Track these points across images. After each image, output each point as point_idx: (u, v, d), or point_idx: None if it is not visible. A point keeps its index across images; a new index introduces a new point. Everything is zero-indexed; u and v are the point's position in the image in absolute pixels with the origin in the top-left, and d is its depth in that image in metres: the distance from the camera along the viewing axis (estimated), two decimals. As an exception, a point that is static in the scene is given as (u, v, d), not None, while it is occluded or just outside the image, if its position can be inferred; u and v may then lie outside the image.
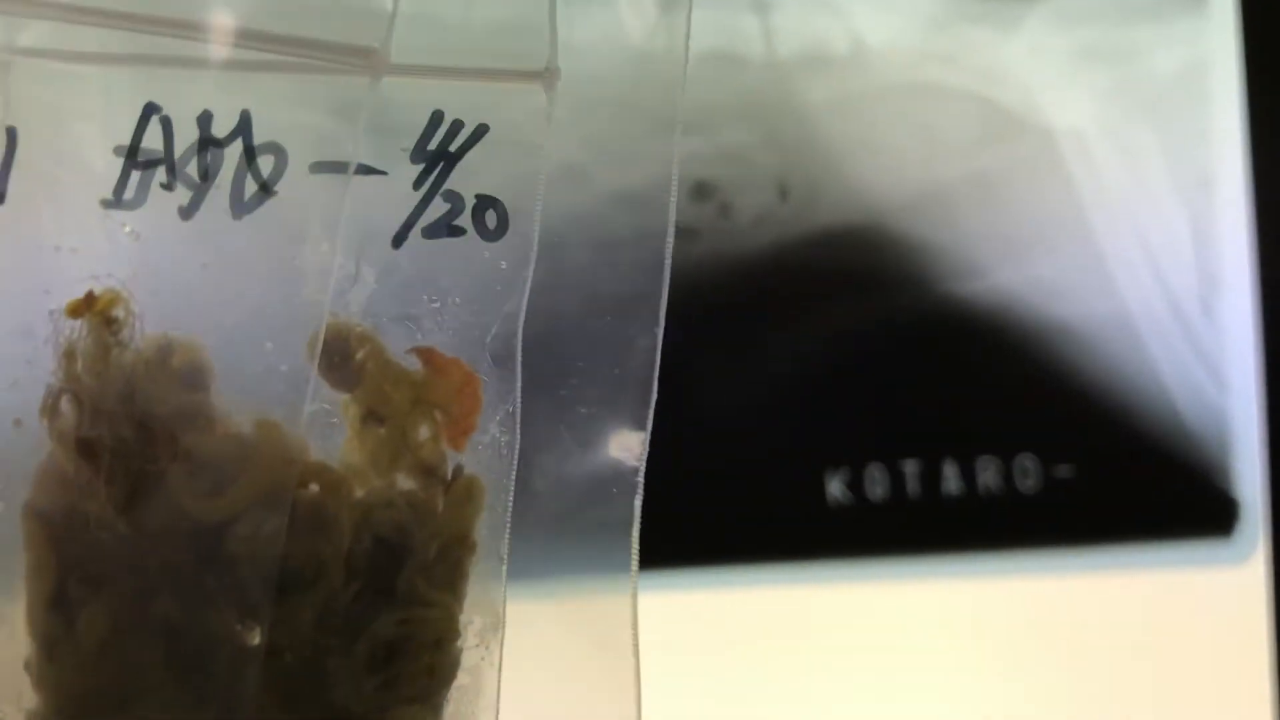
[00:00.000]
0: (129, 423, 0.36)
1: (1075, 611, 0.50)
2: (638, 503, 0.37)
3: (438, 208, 0.37)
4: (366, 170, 0.35)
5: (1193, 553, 0.50)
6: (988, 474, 0.49)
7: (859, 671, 0.49)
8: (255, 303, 0.36)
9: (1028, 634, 0.49)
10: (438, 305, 0.36)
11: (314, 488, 0.36)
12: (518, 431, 0.37)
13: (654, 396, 0.37)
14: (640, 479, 0.38)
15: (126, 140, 0.35)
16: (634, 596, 0.37)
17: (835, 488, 0.49)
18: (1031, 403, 0.49)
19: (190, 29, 0.35)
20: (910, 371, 0.49)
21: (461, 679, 0.38)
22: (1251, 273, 0.50)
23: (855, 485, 0.49)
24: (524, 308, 0.37)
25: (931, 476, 0.49)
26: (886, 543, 0.49)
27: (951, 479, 0.49)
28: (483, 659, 0.38)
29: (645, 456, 0.37)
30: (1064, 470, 0.49)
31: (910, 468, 0.49)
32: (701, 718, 0.48)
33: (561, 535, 0.38)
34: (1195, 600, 0.50)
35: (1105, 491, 0.50)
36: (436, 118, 0.36)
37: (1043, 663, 0.49)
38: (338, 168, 0.35)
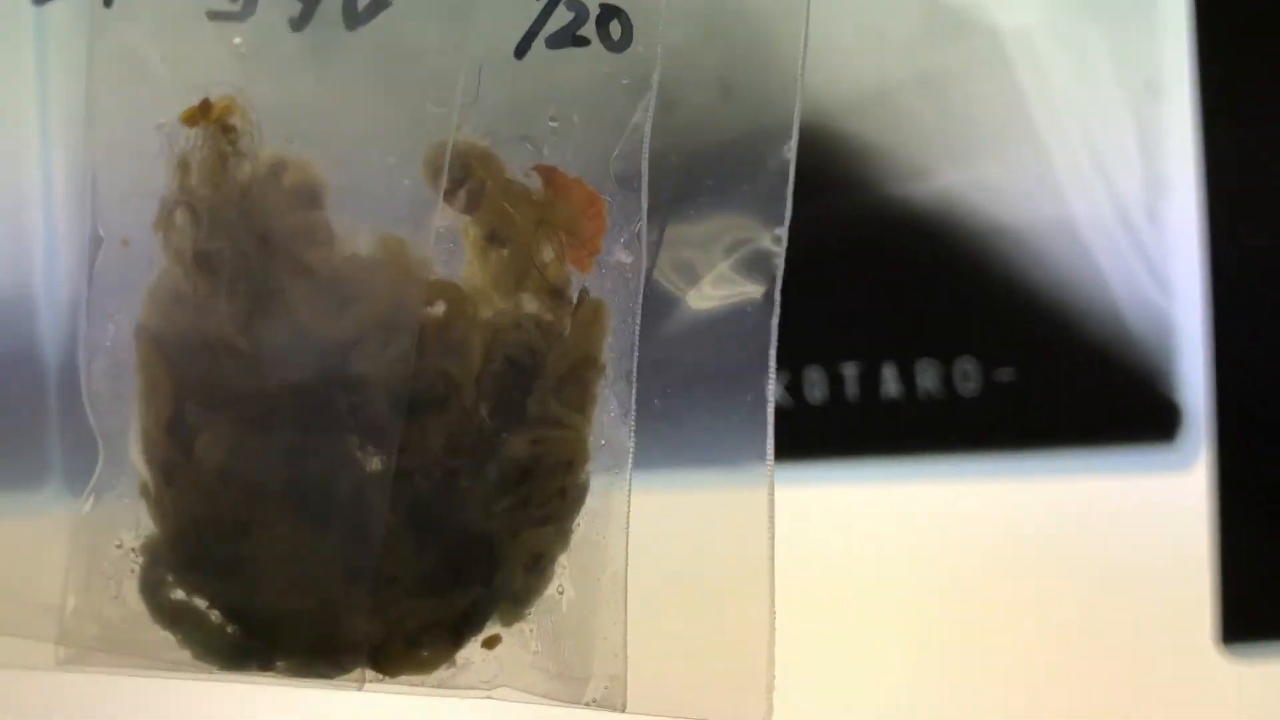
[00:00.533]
0: (249, 236, 0.35)
1: (1015, 517, 0.49)
2: (773, 324, 0.37)
3: (561, 16, 0.36)
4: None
5: (1135, 458, 0.49)
6: (927, 377, 0.48)
7: (796, 575, 0.49)
8: (373, 118, 0.35)
9: (967, 539, 0.49)
10: (557, 125, 0.35)
11: (440, 307, 0.35)
12: (644, 253, 0.36)
13: (788, 214, 0.37)
14: (778, 298, 0.37)
15: (234, -52, 0.34)
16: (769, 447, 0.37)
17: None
18: (973, 306, 0.49)
19: None
20: (850, 274, 0.49)
21: (591, 503, 0.38)
22: (1197, 179, 0.49)
23: (794, 388, 0.49)
24: (650, 122, 0.36)
25: (871, 379, 0.48)
26: (825, 446, 0.48)
27: (891, 382, 0.48)
28: (613, 483, 0.38)
29: (781, 277, 0.37)
30: (1005, 374, 0.49)
31: (849, 370, 0.48)
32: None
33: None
34: (1136, 507, 0.50)
35: (1046, 396, 0.49)
36: (556, -81, 0.35)
37: (981, 568, 0.49)
38: (456, -27, 0.34)
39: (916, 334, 0.49)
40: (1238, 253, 0.49)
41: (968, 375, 0.49)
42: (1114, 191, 0.49)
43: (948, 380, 0.49)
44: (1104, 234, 0.49)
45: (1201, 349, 0.49)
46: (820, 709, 0.49)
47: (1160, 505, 0.50)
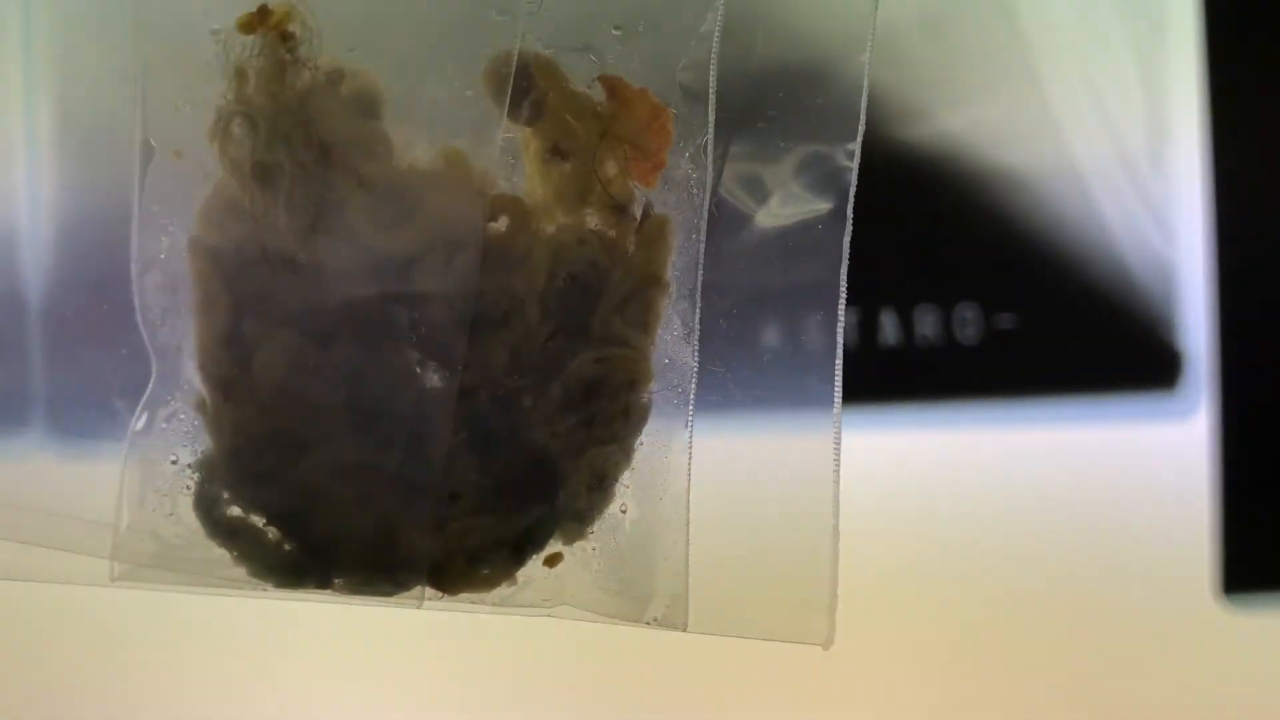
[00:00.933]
0: (307, 147, 0.35)
1: (1015, 464, 0.50)
2: (845, 242, 0.37)
3: (625, -80, 0.35)
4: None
5: (1136, 406, 0.50)
6: (926, 324, 0.48)
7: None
8: (435, 26, 0.35)
9: (966, 485, 0.49)
10: (621, 33, 0.35)
11: (503, 222, 0.35)
12: (710, 168, 0.35)
13: (861, 129, 0.37)
14: (850, 215, 0.36)
15: None
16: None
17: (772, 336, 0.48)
18: (973, 251, 0.49)
19: None
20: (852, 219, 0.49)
21: (654, 423, 0.37)
22: (1201, 122, 0.49)
23: (793, 335, 0.48)
24: (719, 31, 0.36)
25: (869, 326, 0.48)
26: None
27: (889, 328, 0.48)
28: (676, 403, 0.37)
29: (853, 194, 0.36)
30: (1006, 320, 0.49)
31: (849, 317, 0.48)
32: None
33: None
34: (1137, 455, 0.50)
35: (1048, 343, 0.49)
36: None
37: (981, 515, 0.49)
38: None
39: (915, 279, 0.49)
40: (1242, 198, 0.50)
41: (968, 322, 0.49)
42: (1116, 135, 0.49)
43: (947, 327, 0.49)
44: (1106, 179, 0.49)
45: (1204, 296, 0.49)
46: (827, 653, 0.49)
47: (1161, 454, 0.50)
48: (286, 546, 0.35)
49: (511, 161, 0.35)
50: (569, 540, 0.36)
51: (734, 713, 0.50)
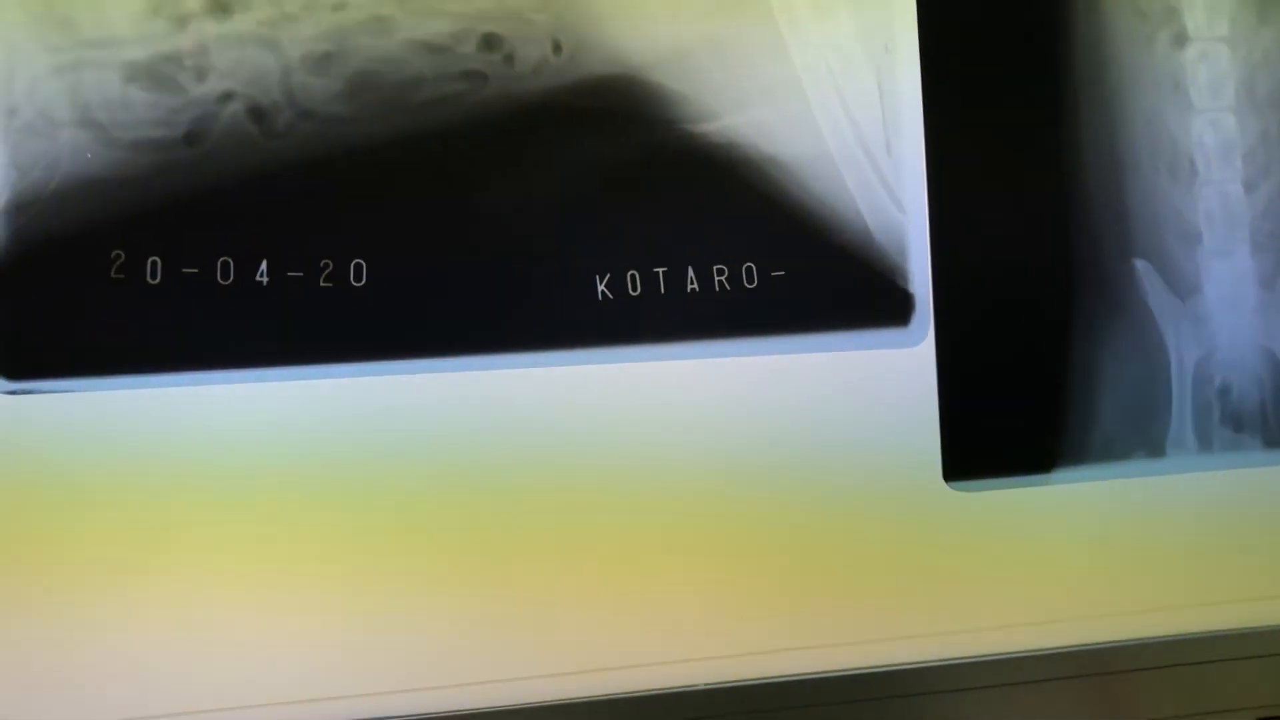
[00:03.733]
0: None
1: (786, 384, 0.56)
2: None
3: None
4: None
5: (878, 337, 0.57)
6: (721, 278, 0.56)
7: (608, 445, 0.56)
8: None
9: (751, 402, 0.56)
10: None
11: None
12: None
13: None
14: None
15: None
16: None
17: (601, 288, 0.55)
18: (754, 221, 0.56)
19: None
20: (660, 196, 0.55)
21: None
22: (922, 120, 0.58)
23: (616, 287, 0.55)
24: None
25: (677, 279, 0.55)
26: (643, 331, 0.55)
27: (694, 281, 0.55)
28: None
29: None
30: (778, 274, 0.56)
31: (662, 272, 0.55)
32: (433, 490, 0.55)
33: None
34: (881, 374, 0.57)
35: (810, 290, 0.56)
36: None
37: (760, 426, 0.56)
38: None
39: (710, 244, 0.56)
40: (952, 177, 0.58)
41: (750, 275, 0.56)
42: (859, 130, 0.57)
43: (735, 279, 0.56)
44: (853, 164, 0.57)
45: (928, 252, 0.57)
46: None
47: (898, 373, 0.57)
48: None
49: None
50: None
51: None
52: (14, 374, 0.50)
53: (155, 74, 0.50)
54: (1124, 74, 0.60)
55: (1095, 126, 0.60)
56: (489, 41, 0.54)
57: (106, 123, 0.50)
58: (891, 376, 0.57)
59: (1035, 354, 0.59)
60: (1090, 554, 0.60)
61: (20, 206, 0.50)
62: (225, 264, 0.51)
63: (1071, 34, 0.60)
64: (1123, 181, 0.60)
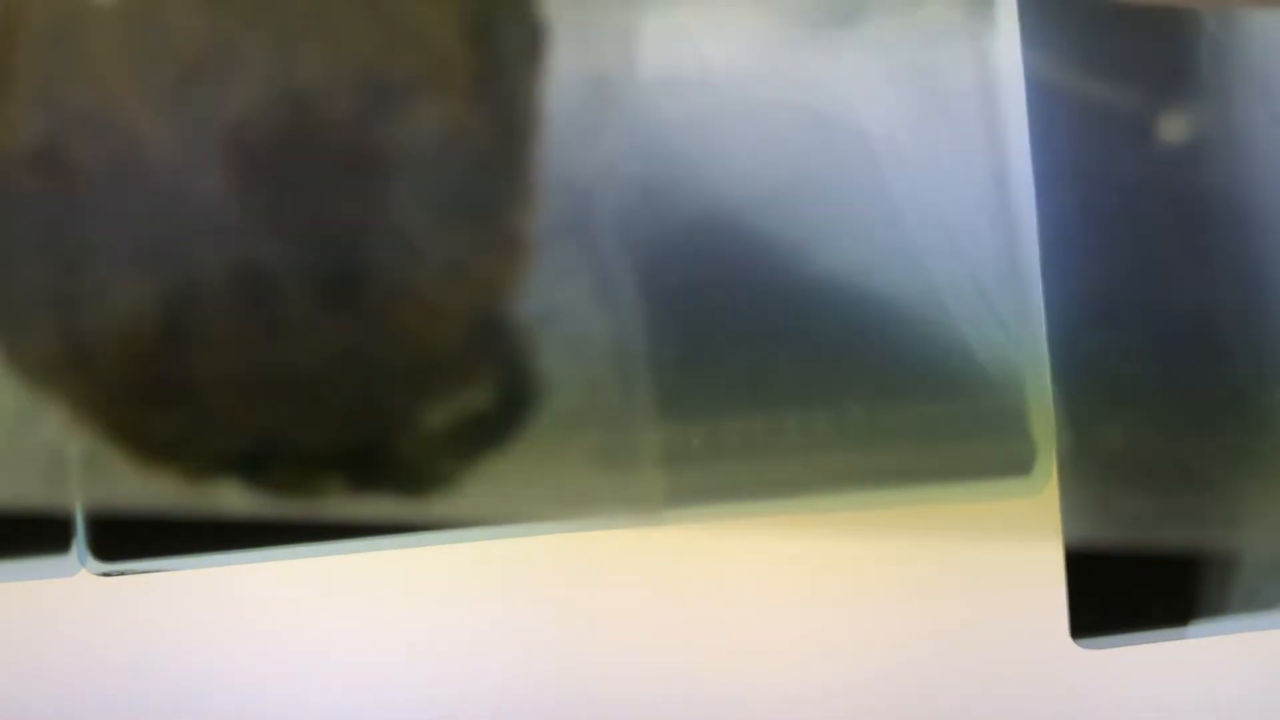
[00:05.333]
0: None
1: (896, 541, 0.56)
2: None
3: None
4: None
5: (996, 488, 0.56)
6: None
7: None
8: None
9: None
10: None
11: None
12: None
13: None
14: None
15: None
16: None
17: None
18: (840, 356, 0.55)
19: None
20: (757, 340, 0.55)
21: None
22: (1041, 257, 0.56)
23: None
24: None
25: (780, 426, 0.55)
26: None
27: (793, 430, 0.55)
28: None
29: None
30: (885, 419, 0.55)
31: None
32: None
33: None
34: (997, 527, 0.57)
35: (919, 437, 0.56)
36: None
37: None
38: None
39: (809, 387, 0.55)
40: (1075, 309, 0.57)
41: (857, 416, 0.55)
42: (968, 263, 0.56)
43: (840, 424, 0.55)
44: (960, 300, 0.55)
45: (1049, 392, 0.56)
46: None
47: (1018, 524, 0.57)
48: None
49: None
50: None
51: None
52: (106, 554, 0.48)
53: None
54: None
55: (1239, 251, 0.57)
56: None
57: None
58: (1011, 528, 0.55)
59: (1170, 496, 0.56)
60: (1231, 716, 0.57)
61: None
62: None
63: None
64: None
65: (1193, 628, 0.57)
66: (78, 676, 0.53)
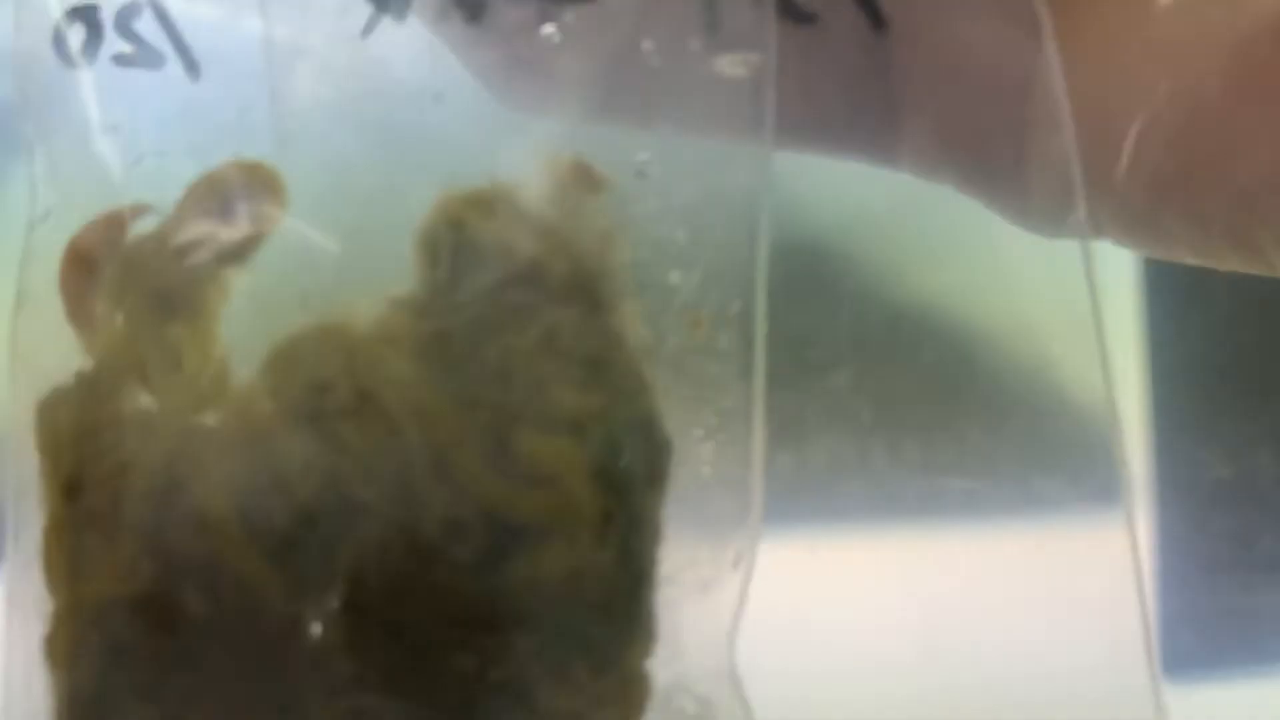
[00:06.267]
0: None
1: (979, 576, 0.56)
2: None
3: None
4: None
5: (1082, 520, 0.53)
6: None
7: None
8: None
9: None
10: None
11: None
12: None
13: None
14: None
15: None
16: None
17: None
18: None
19: None
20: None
21: None
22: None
23: None
24: None
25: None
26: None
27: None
28: None
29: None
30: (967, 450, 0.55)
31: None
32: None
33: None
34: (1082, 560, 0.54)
35: (1007, 467, 0.55)
36: None
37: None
38: None
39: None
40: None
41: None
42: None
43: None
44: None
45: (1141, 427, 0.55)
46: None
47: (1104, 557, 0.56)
48: None
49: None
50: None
51: None
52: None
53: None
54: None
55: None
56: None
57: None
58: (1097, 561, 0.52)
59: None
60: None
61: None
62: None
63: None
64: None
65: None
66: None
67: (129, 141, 0.34)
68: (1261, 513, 0.56)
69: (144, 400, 0.33)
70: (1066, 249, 0.54)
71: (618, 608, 0.32)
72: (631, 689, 0.33)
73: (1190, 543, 0.57)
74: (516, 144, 0.33)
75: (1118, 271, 0.54)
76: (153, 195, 0.34)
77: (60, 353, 0.34)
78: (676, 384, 0.33)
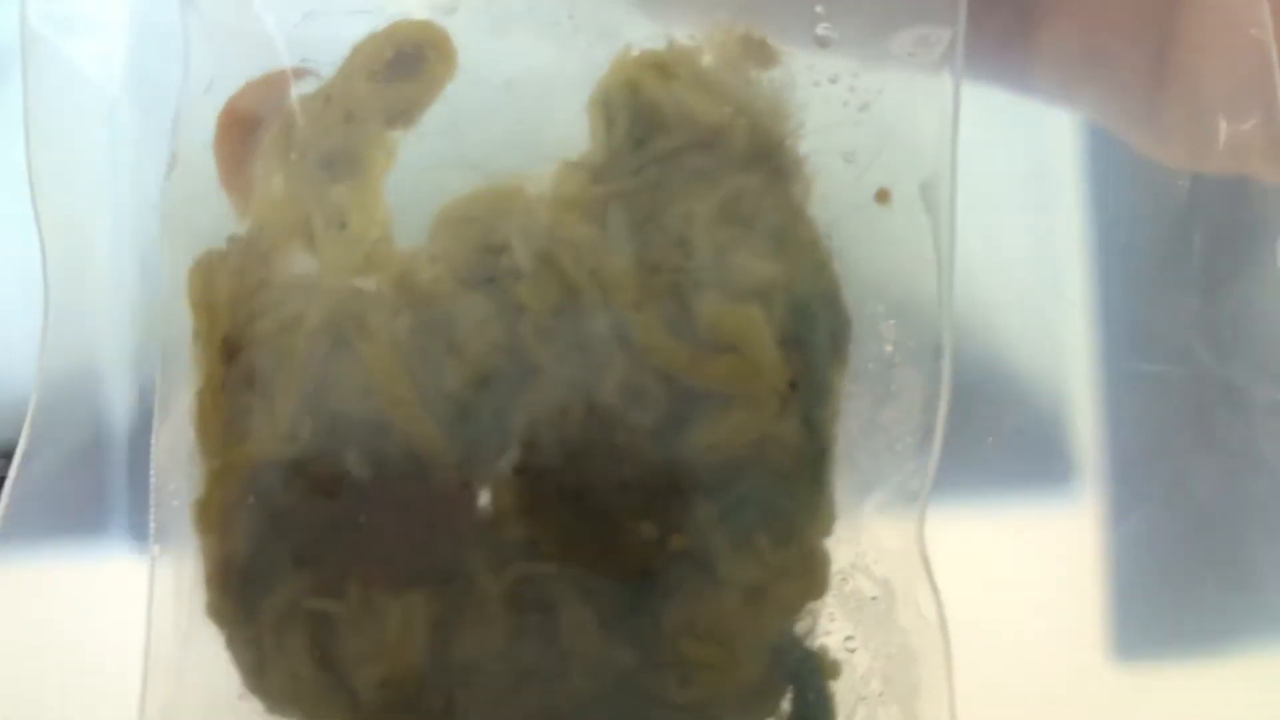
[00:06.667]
0: None
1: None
2: None
3: None
4: None
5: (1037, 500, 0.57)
6: None
7: None
8: None
9: None
10: None
11: None
12: None
13: None
14: None
15: None
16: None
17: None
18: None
19: None
20: None
21: None
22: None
23: None
24: None
25: None
26: None
27: None
28: None
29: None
30: None
31: None
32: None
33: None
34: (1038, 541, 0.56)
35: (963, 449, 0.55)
36: None
37: None
38: None
39: None
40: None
41: None
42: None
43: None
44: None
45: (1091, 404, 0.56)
46: None
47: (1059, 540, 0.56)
48: None
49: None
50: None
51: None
52: None
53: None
54: None
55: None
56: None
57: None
58: (1052, 543, 0.55)
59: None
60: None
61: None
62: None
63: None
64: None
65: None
66: None
67: (289, 2, 0.33)
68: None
69: (305, 262, 0.32)
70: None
71: (801, 479, 0.32)
72: (814, 564, 0.32)
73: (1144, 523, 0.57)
74: (691, 11, 0.32)
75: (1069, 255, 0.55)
76: (315, 57, 0.33)
77: (211, 216, 0.32)
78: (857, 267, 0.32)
